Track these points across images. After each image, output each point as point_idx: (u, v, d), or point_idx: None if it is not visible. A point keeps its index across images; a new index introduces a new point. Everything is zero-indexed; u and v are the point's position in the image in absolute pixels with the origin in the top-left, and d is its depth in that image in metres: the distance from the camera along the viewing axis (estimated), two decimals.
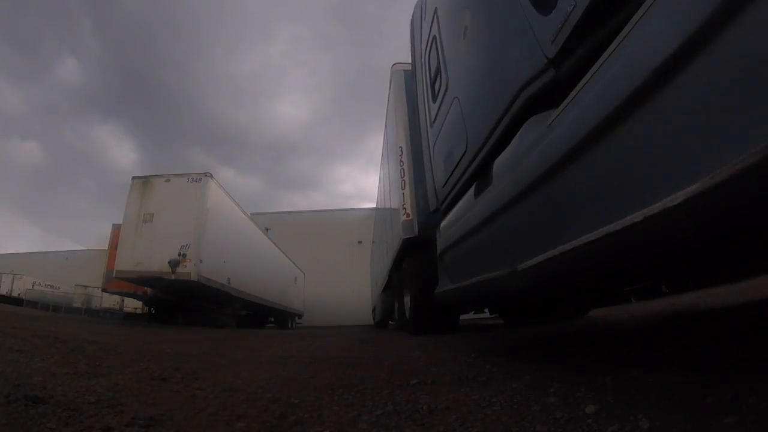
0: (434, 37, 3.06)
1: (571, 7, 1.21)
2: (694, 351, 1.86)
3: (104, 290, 15.45)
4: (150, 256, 8.87)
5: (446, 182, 2.84)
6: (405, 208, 4.76)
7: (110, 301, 21.64)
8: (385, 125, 7.12)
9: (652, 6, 0.89)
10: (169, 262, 8.66)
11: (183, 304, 10.20)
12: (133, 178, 9.77)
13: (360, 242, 24.28)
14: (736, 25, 0.68)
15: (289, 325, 18.37)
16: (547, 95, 1.47)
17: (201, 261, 8.97)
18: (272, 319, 17.47)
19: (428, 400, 1.47)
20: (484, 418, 1.21)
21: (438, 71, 2.93)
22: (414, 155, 4.75)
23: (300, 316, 20.51)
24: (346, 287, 23.56)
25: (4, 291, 22.04)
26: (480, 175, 2.19)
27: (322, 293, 23.29)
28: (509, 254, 1.72)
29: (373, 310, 14.61)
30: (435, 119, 3.07)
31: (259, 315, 15.44)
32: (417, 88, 3.80)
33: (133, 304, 17.69)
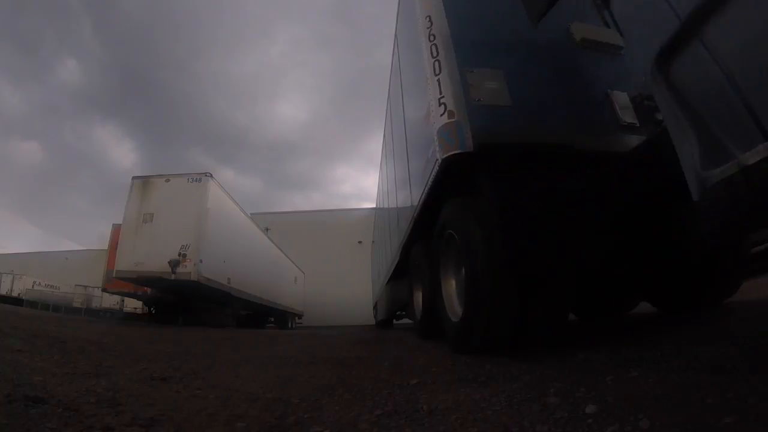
0: None
1: None
2: (694, 351, 1.86)
3: (104, 290, 15.45)
4: (150, 256, 8.86)
5: None
6: (443, 103, 2.65)
7: (110, 301, 21.63)
8: (395, 41, 5.34)
9: None
10: (169, 262, 8.65)
11: (183, 304, 10.19)
12: (133, 178, 9.78)
13: (360, 242, 24.25)
14: None
15: (289, 325, 18.37)
16: None
17: (201, 261, 8.96)
18: (272, 319, 17.47)
19: (428, 400, 1.47)
20: (484, 418, 1.21)
21: None
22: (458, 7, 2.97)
23: (300, 316, 20.52)
24: (346, 287, 23.55)
25: (4, 291, 22.04)
26: None
27: (322, 293, 23.29)
28: None
29: (374, 308, 13.69)
30: None
31: (259, 315, 15.44)
32: None
33: (133, 304, 17.68)
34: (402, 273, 5.53)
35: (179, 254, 8.77)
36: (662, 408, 1.09)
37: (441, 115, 2.72)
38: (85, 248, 33.54)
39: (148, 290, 10.84)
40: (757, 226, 1.72)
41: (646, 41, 1.30)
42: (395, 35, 5.41)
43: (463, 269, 2.56)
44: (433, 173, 2.86)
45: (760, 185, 0.95)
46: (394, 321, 10.59)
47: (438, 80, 2.88)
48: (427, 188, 3.16)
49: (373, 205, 15.50)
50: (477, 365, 2.12)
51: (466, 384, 1.71)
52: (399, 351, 3.28)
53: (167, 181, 9.61)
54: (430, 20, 3.17)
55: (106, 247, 13.92)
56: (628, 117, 2.54)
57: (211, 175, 9.70)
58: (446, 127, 2.61)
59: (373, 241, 13.99)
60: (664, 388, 1.28)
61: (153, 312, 11.62)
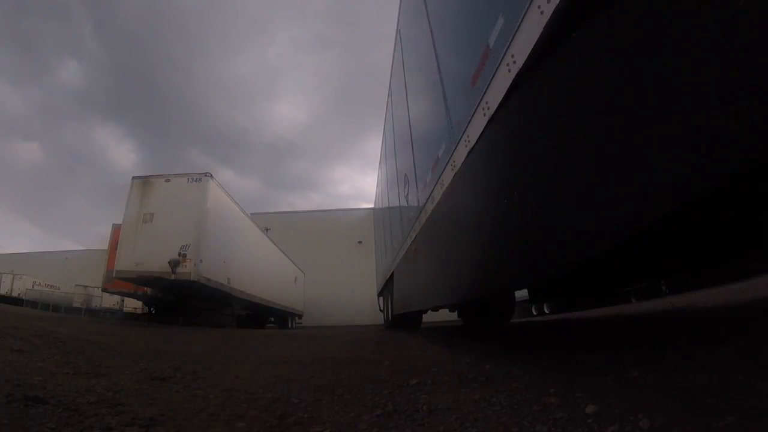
0: None
1: None
2: (694, 351, 1.86)
3: (104, 290, 15.44)
4: (150, 256, 8.86)
5: None
6: None
7: (110, 301, 21.64)
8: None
9: None
10: (169, 262, 8.65)
11: (183, 304, 10.19)
12: (133, 178, 9.77)
13: (360, 242, 24.29)
14: None
15: (289, 325, 18.37)
16: None
17: (201, 261, 8.96)
18: (272, 319, 17.47)
19: (428, 400, 1.47)
20: (484, 418, 1.21)
21: None
22: None
23: (300, 316, 20.51)
24: (346, 287, 23.57)
25: (4, 291, 22.04)
26: None
27: (322, 293, 23.29)
28: None
29: (380, 294, 9.81)
30: None
31: (259, 315, 15.43)
32: None
33: (133, 304, 17.68)
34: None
35: (179, 254, 8.77)
36: (662, 408, 1.09)
37: None
38: (85, 248, 33.59)
39: (148, 290, 10.84)
40: None
41: None
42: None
43: None
44: None
45: None
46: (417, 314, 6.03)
47: None
48: None
49: (372, 206, 15.50)
50: (477, 365, 2.12)
51: (466, 384, 1.71)
52: (399, 351, 3.28)
53: (167, 181, 9.61)
54: None
55: (106, 247, 13.91)
56: None
57: (211, 175, 9.69)
58: None
59: (374, 242, 13.98)
60: (664, 388, 1.28)
61: (153, 312, 11.62)
